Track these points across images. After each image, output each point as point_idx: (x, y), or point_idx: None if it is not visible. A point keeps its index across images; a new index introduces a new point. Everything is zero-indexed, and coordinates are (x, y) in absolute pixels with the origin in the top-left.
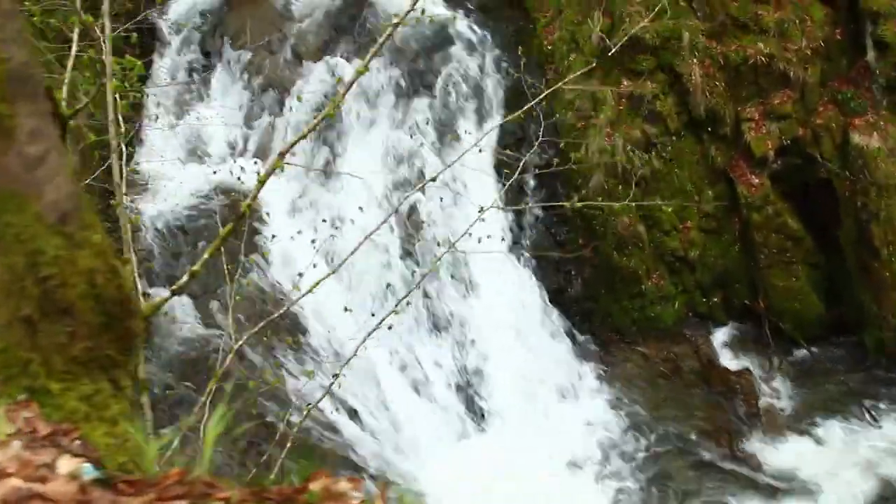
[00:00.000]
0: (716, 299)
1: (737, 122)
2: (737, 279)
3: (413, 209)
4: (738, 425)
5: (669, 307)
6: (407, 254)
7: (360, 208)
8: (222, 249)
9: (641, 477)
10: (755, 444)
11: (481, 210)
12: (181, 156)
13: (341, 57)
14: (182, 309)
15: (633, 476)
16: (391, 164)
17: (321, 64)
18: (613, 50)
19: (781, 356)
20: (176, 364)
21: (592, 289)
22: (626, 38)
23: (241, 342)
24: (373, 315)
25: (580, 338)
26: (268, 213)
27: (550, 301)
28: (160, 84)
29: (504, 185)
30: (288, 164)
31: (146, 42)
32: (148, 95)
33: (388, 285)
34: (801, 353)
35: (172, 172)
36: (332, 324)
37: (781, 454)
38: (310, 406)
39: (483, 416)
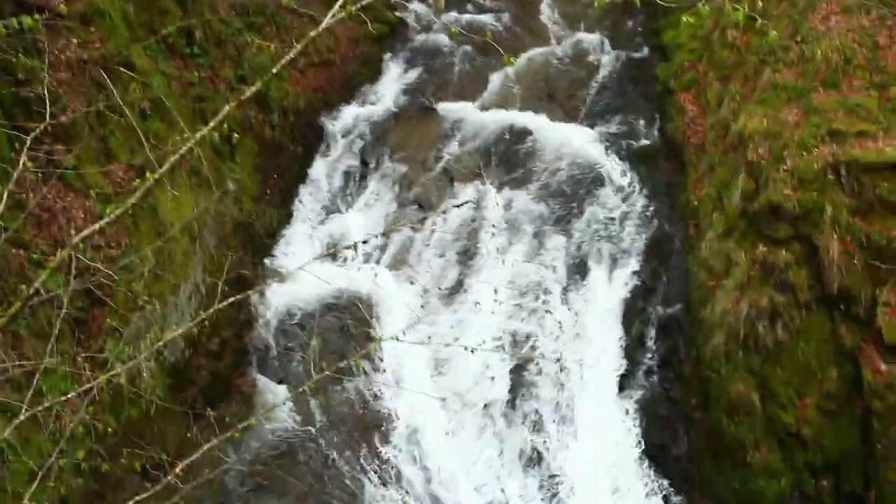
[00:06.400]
0: (825, 483)
1: (872, 304)
2: (850, 466)
3: (531, 343)
4: None
5: (774, 483)
6: (512, 389)
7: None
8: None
9: None
10: None
11: None
12: (319, 254)
13: (491, 185)
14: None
15: None
16: (516, 295)
17: (470, 188)
18: None
19: None
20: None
21: (696, 451)
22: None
23: None
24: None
25: (675, 500)
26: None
27: (651, 456)
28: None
29: (625, 332)
30: None
31: (310, 142)
32: (300, 194)
33: (486, 410)
34: None
35: (306, 269)
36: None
37: None
38: None
39: None
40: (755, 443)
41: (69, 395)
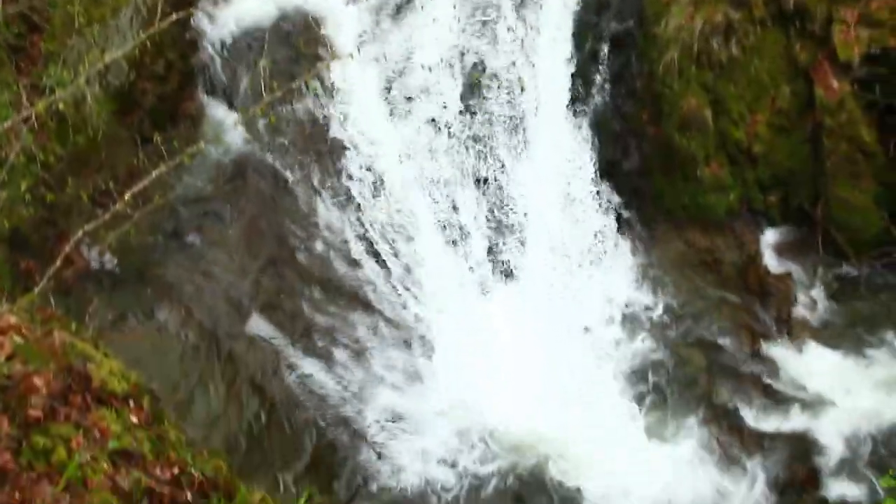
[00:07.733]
0: (773, 198)
1: (828, 21)
2: (799, 182)
3: (479, 63)
4: (765, 328)
5: (724, 198)
6: (465, 108)
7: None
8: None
9: (654, 358)
10: (778, 350)
11: None
12: None
13: None
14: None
15: (645, 356)
16: (468, 10)
17: None
18: None
19: (828, 268)
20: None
21: (648, 166)
22: None
23: None
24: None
25: (626, 214)
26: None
27: (603, 172)
28: None
29: (577, 49)
30: None
31: None
32: None
33: (439, 129)
34: (849, 268)
35: None
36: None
37: (802, 364)
38: None
39: (510, 273)
40: (706, 158)
41: (8, 123)
